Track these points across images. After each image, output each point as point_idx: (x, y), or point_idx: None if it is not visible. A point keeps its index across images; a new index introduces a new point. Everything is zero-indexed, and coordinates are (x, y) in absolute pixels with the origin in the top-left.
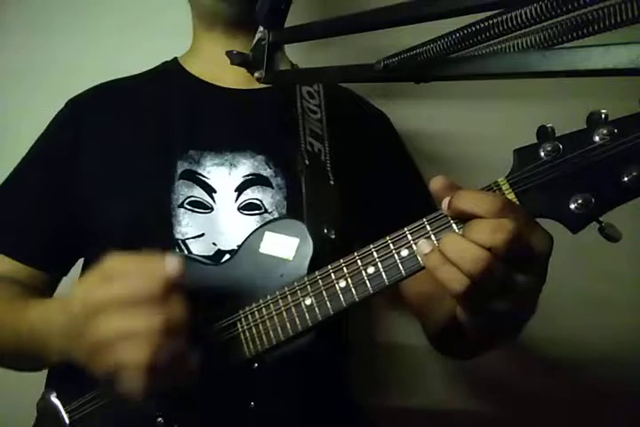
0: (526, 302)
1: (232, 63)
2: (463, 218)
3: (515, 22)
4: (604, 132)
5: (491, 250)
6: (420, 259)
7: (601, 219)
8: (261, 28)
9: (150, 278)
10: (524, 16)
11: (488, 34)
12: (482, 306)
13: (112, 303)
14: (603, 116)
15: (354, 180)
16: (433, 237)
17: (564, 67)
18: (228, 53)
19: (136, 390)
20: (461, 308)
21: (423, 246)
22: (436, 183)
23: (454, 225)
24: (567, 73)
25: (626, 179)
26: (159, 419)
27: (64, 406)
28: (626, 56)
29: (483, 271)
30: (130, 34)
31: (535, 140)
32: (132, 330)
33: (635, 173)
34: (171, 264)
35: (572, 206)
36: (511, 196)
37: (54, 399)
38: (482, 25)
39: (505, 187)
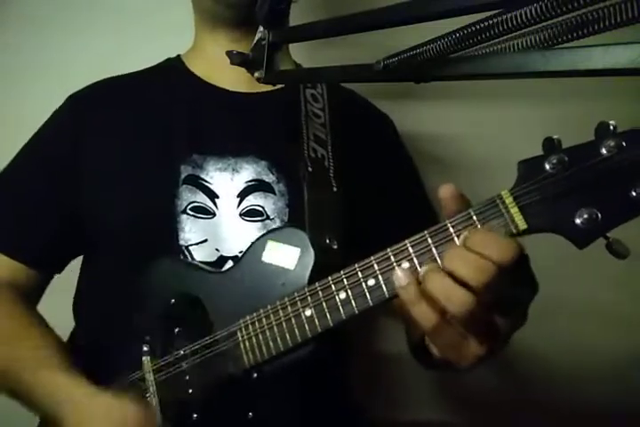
0: (501, 340)
1: (232, 63)
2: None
3: (515, 22)
4: (612, 144)
5: (475, 290)
6: (396, 281)
7: (608, 234)
8: (261, 28)
9: None
10: (524, 16)
11: (488, 34)
12: (452, 344)
13: None
14: (611, 127)
15: (356, 186)
16: (434, 249)
17: (564, 67)
18: (228, 53)
19: None
20: (429, 340)
21: (400, 279)
22: (445, 191)
23: (456, 238)
24: (567, 73)
25: (634, 193)
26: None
27: None
28: (626, 56)
29: (467, 314)
30: (132, 31)
31: (536, 141)
32: None
33: None
34: None
35: (578, 221)
36: (514, 209)
37: None
38: (482, 25)
39: (508, 200)
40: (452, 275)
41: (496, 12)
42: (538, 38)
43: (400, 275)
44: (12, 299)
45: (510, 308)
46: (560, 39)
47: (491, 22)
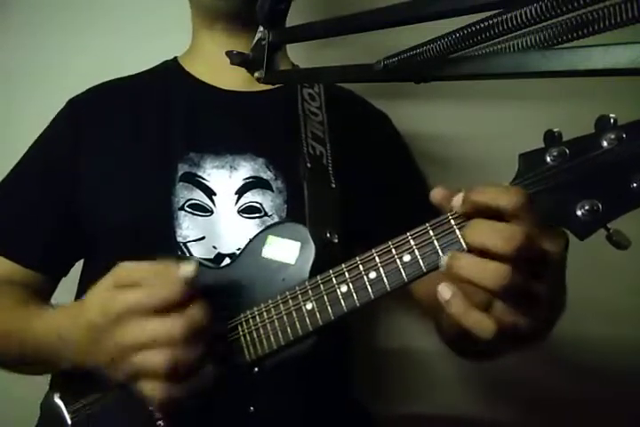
0: (549, 309)
1: (232, 63)
2: (477, 215)
3: (515, 22)
4: (612, 136)
5: (507, 260)
6: (440, 297)
7: (609, 225)
8: (261, 28)
9: (168, 284)
10: (523, 16)
11: (488, 34)
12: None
13: (132, 311)
14: (611, 120)
15: (356, 183)
16: (436, 242)
17: (564, 67)
18: (228, 53)
19: (155, 397)
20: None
21: (444, 292)
22: (436, 195)
23: (457, 231)
24: (567, 73)
25: (634, 185)
26: (159, 422)
27: (67, 407)
28: (626, 56)
29: (506, 287)
30: (132, 31)
31: (537, 140)
32: (154, 337)
33: None
34: (187, 269)
35: (579, 213)
36: None
37: (58, 400)
38: (482, 25)
39: None
40: (478, 251)
41: (496, 12)
42: (538, 38)
43: (443, 289)
44: (18, 289)
45: (544, 268)
46: (560, 39)
47: (491, 22)
